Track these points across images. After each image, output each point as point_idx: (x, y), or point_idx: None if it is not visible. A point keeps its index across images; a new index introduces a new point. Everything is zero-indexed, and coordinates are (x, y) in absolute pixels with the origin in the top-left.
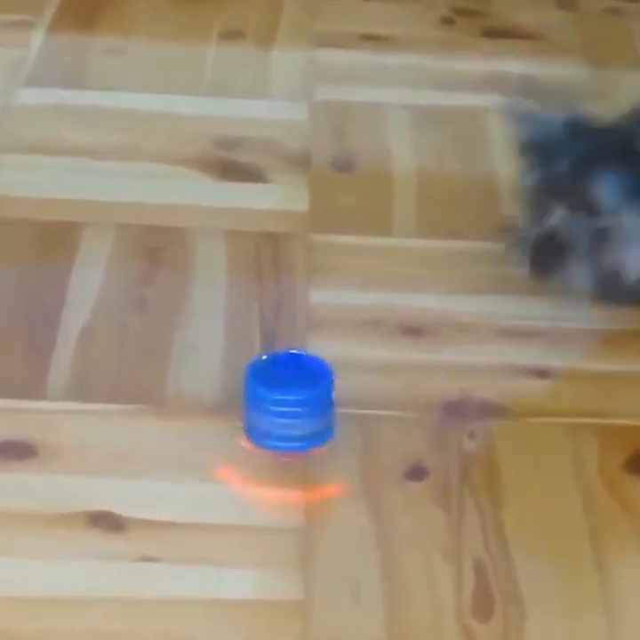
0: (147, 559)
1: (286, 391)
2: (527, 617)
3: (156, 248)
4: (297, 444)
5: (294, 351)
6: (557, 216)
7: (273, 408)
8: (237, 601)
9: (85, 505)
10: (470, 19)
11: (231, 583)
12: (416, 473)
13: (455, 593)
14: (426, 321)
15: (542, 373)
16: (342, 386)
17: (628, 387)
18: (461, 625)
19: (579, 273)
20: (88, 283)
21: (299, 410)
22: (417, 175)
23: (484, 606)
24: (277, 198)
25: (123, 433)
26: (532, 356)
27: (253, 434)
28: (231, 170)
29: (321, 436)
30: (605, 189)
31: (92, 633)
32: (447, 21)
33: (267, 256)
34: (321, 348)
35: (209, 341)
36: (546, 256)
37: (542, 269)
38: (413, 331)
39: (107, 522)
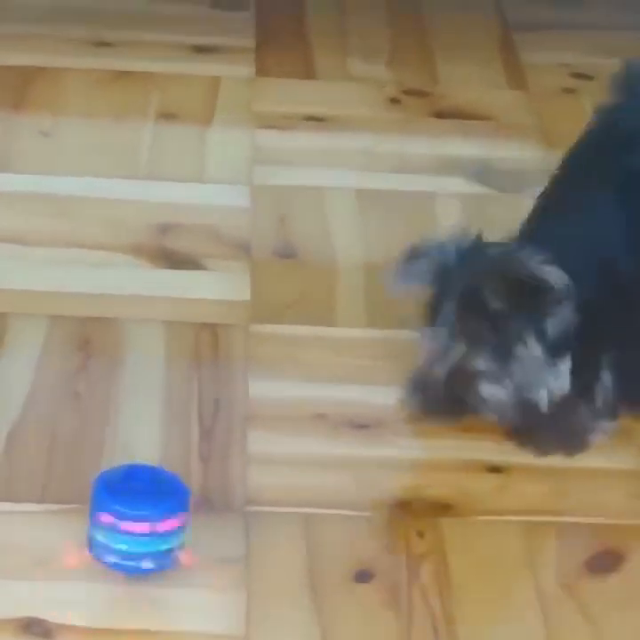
0: None
1: (133, 506)
2: None
3: (89, 340)
4: (137, 565)
5: (150, 466)
6: (457, 354)
7: (118, 523)
8: None
9: (13, 611)
10: (418, 99)
11: None
12: (364, 574)
13: None
14: (372, 415)
15: (495, 469)
16: (285, 483)
17: (584, 483)
18: None
19: (494, 401)
20: (16, 378)
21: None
22: (363, 262)
23: None
24: (217, 287)
25: (51, 534)
26: (485, 451)
27: (95, 547)
28: (169, 257)
29: (165, 559)
30: (492, 329)
31: None
32: (394, 102)
33: (206, 348)
34: (261, 443)
35: (144, 439)
36: (455, 391)
37: (454, 405)
38: (359, 425)
39: (35, 629)
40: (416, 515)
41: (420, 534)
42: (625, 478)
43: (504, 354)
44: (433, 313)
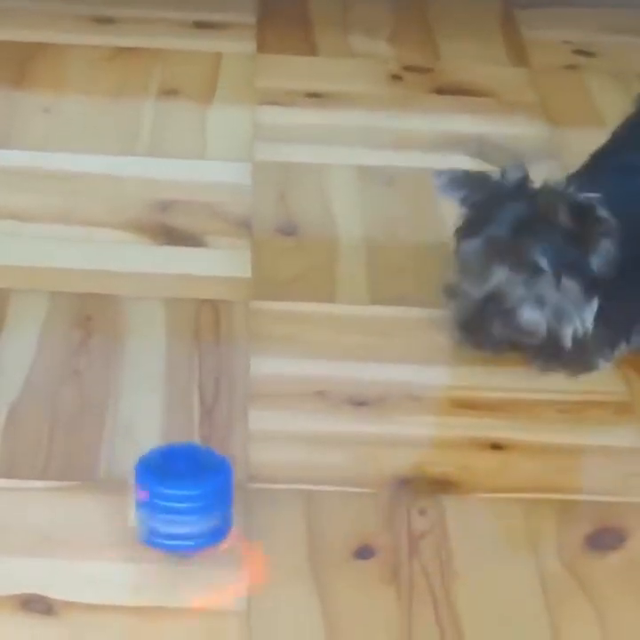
0: None
1: (177, 486)
2: None
3: (90, 317)
4: (186, 543)
5: (193, 444)
6: (499, 277)
7: (162, 503)
8: None
9: (14, 588)
10: (420, 75)
11: None
12: (365, 551)
13: None
14: (374, 392)
15: (497, 446)
16: (286, 460)
17: (586, 460)
18: None
19: (530, 326)
20: (18, 354)
21: (189, 506)
22: (364, 239)
23: None
24: (218, 264)
25: (52, 511)
26: (487, 428)
27: (142, 530)
28: (169, 234)
29: (213, 536)
30: (543, 253)
31: None
32: (396, 78)
33: (207, 325)
34: (262, 420)
35: (144, 416)
36: (487, 317)
37: (481, 332)
38: (361, 402)
39: (37, 606)
40: (417, 492)
41: (422, 511)
42: (626, 456)
43: (549, 282)
44: (472, 230)
